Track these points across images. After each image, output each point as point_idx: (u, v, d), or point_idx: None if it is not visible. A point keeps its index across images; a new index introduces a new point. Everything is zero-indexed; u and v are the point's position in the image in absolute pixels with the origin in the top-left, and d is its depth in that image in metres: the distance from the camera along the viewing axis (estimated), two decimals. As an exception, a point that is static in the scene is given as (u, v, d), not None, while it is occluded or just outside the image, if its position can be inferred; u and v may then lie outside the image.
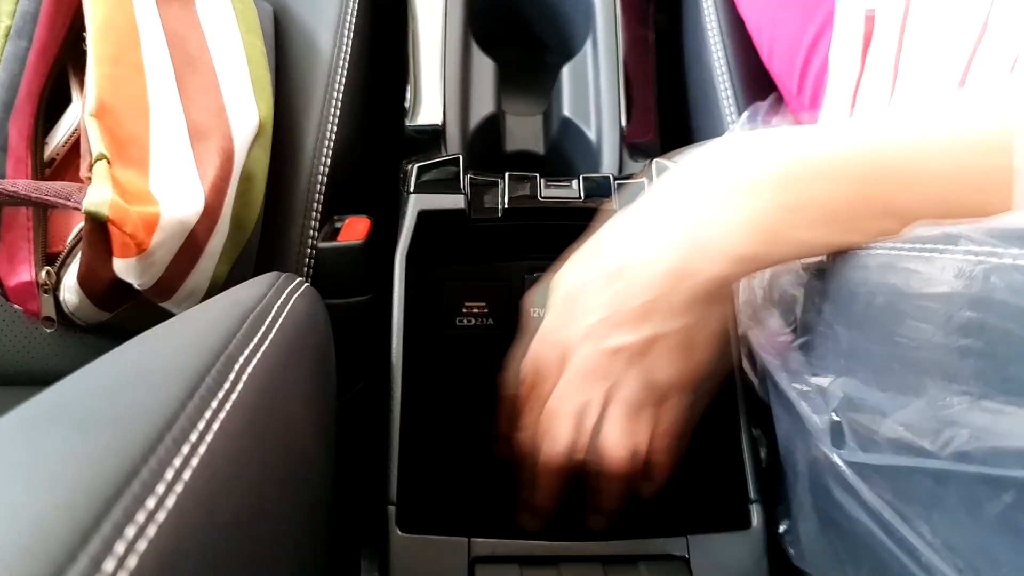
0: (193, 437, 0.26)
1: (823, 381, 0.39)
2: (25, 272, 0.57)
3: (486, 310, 0.60)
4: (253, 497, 0.29)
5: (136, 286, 0.55)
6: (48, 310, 0.57)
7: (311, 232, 0.67)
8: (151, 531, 0.23)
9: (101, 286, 0.56)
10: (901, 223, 0.37)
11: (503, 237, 0.60)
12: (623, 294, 0.44)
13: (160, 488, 0.24)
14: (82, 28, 0.58)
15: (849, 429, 0.36)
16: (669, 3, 0.89)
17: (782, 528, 0.48)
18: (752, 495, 0.50)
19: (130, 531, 0.22)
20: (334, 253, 0.64)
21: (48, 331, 0.59)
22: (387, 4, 0.84)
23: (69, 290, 0.56)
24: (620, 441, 0.47)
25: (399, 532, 0.47)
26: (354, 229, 0.66)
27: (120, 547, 0.22)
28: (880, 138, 0.39)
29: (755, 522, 0.49)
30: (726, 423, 0.52)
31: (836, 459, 0.37)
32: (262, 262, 0.66)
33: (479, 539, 0.47)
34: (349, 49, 0.73)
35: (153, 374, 0.28)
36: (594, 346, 0.46)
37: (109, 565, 0.21)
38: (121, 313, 0.61)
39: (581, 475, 0.50)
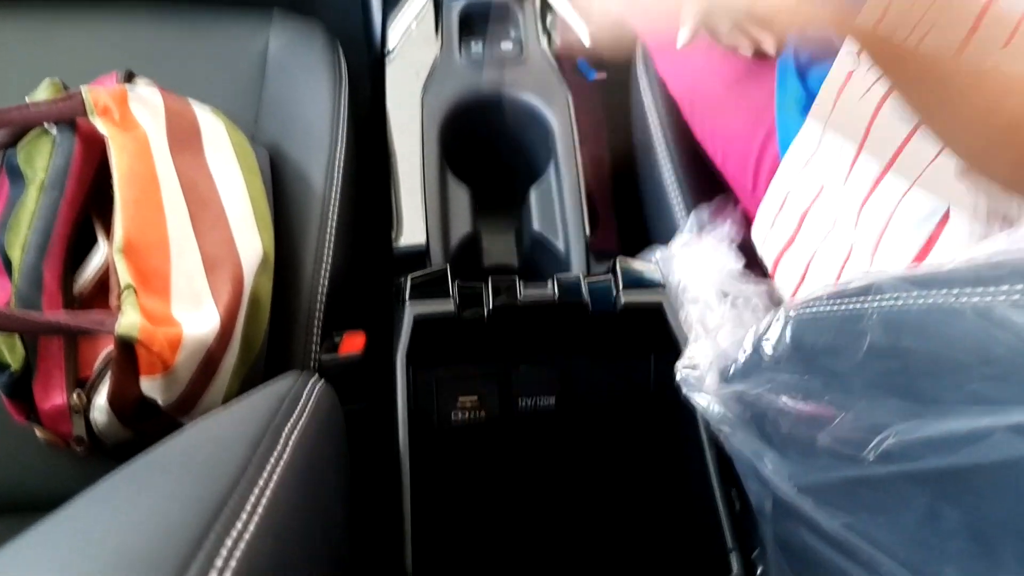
0: (261, 482, 0.32)
1: (772, 420, 0.46)
2: (58, 396, 0.62)
3: (478, 402, 0.66)
4: (303, 534, 0.35)
5: (160, 402, 0.61)
6: (79, 430, 0.62)
7: (314, 347, 0.73)
8: (238, 551, 0.28)
9: (129, 405, 0.61)
10: None
11: (489, 336, 0.67)
12: None
13: (243, 516, 0.30)
14: (105, 178, 0.66)
15: (796, 455, 0.43)
16: (621, 125, 1.00)
17: (759, 571, 0.53)
18: (730, 544, 0.55)
19: (223, 551, 0.28)
20: (336, 365, 0.70)
21: (79, 450, 0.63)
22: (370, 143, 0.93)
23: (99, 410, 0.62)
24: None
25: None
26: (352, 342, 0.73)
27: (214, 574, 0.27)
28: None
29: (735, 569, 0.54)
30: (702, 482, 0.58)
31: (792, 490, 0.43)
32: (269, 379, 0.72)
33: None
34: (339, 185, 0.81)
35: (223, 440, 0.35)
36: None
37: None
38: (144, 432, 0.66)
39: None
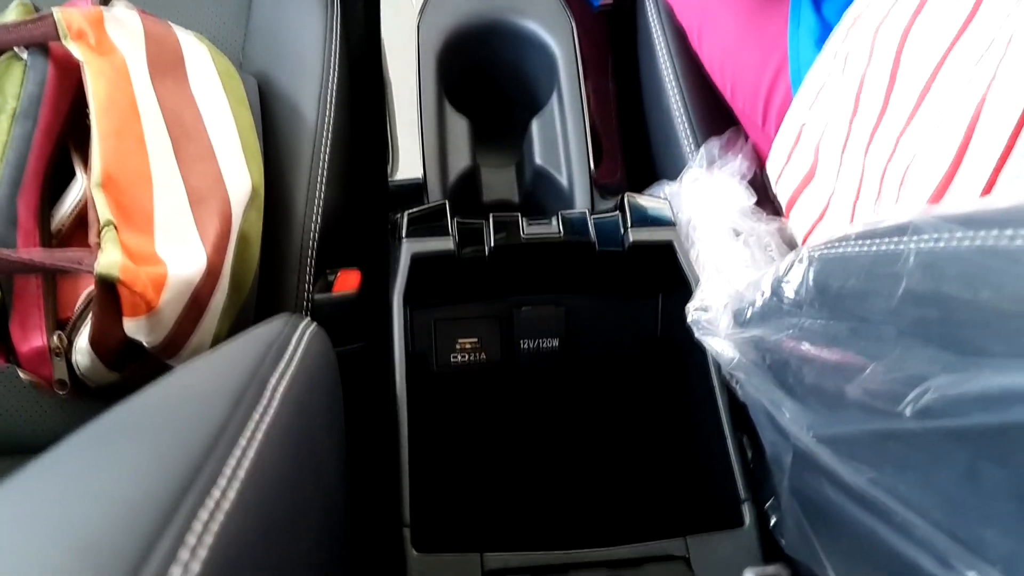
0: (243, 442, 0.29)
1: (794, 370, 0.43)
2: (37, 338, 0.59)
3: (478, 345, 0.63)
4: (293, 498, 0.32)
5: (145, 343, 0.58)
6: (61, 373, 0.60)
7: (306, 286, 0.70)
8: (215, 525, 0.26)
9: (112, 346, 0.58)
10: None
11: (490, 275, 0.64)
12: None
13: (221, 483, 0.27)
14: (82, 107, 0.62)
15: (817, 405, 0.40)
16: (627, 55, 0.95)
17: (773, 522, 0.51)
18: (742, 495, 0.53)
19: (197, 525, 0.25)
20: (330, 304, 0.67)
21: (61, 393, 0.61)
22: (364, 72, 0.89)
23: (81, 352, 0.59)
24: None
25: (415, 552, 0.50)
26: (347, 281, 0.70)
27: (185, 553, 0.24)
28: None
29: (747, 520, 0.52)
30: (713, 429, 0.56)
31: (812, 441, 0.41)
32: (260, 319, 0.69)
33: (491, 553, 0.50)
34: (332, 115, 0.77)
35: (201, 393, 0.32)
36: None
37: (184, 554, 0.24)
38: (129, 375, 0.63)
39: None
